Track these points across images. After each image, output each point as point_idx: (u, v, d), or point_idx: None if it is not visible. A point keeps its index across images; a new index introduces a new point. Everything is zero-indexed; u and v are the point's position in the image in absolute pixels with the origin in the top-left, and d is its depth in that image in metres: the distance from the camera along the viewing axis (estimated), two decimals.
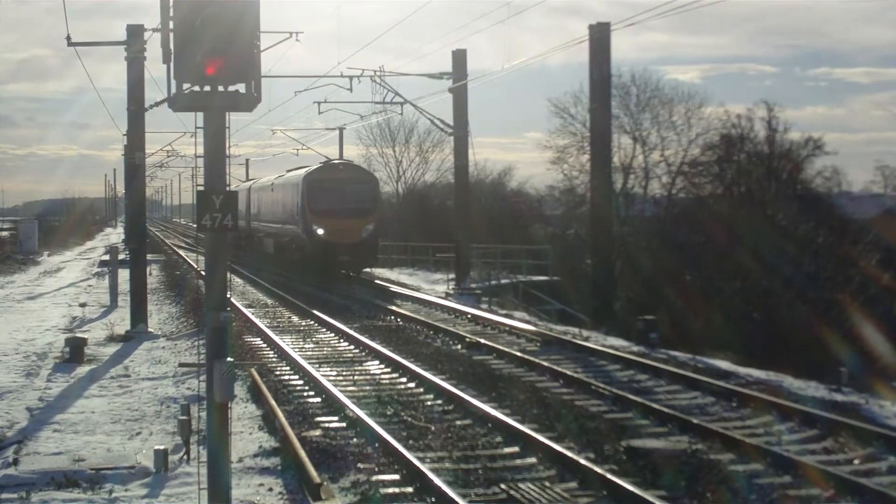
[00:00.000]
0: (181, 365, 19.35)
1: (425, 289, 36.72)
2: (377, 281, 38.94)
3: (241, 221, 54.16)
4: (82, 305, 30.56)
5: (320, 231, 38.06)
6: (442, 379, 16.97)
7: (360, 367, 19.16)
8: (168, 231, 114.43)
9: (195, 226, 9.94)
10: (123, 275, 29.18)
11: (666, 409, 14.57)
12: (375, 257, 40.33)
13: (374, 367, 19.17)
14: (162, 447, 12.00)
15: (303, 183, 39.51)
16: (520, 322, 25.67)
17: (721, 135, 53.14)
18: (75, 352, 20.04)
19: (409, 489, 11.12)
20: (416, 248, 50.45)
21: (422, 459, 11.95)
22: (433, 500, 10.66)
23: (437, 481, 10.82)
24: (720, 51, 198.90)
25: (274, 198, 46.23)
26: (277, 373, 18.52)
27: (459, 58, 37.51)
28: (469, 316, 27.01)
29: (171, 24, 8.59)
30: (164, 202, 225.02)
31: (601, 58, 28.84)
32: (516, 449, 12.77)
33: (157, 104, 25.97)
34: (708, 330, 32.67)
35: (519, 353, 19.99)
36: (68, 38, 24.74)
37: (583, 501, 10.70)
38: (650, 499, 10.20)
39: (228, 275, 9.26)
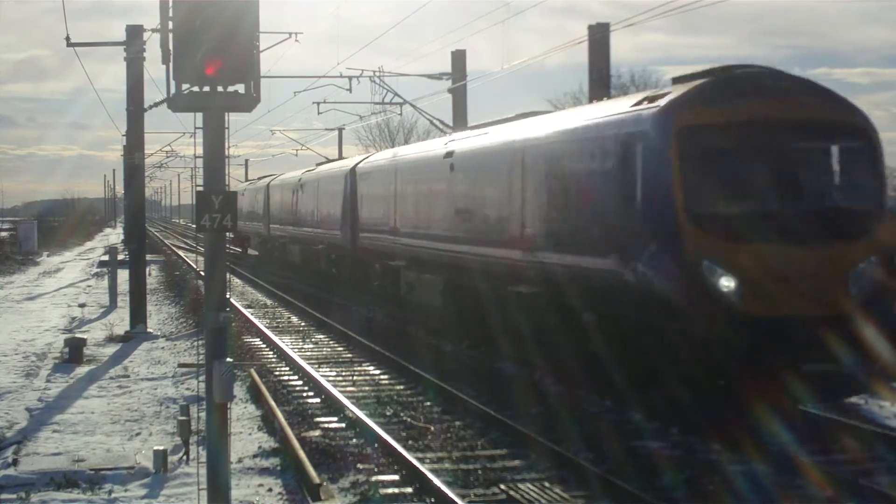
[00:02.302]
0: (181, 365, 19.35)
1: None
2: None
3: (335, 233, 33.49)
4: (81, 306, 30.55)
5: (728, 284, 13.13)
6: (438, 378, 16.94)
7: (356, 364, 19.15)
8: (167, 231, 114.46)
9: (194, 226, 9.94)
10: (123, 275, 29.18)
11: None
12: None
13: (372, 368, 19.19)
14: (161, 448, 12.00)
15: (660, 130, 14.03)
16: None
17: None
18: (74, 352, 20.04)
19: (409, 489, 11.13)
20: None
21: (421, 460, 11.97)
22: (433, 500, 10.67)
23: (437, 482, 10.83)
24: (719, 51, 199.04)
25: (480, 184, 20.40)
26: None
27: (459, 58, 37.48)
28: None
29: (170, 25, 8.60)
30: (164, 202, 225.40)
31: (600, 58, 28.83)
32: (516, 450, 12.77)
33: (156, 104, 26.01)
34: None
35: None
36: (68, 38, 24.73)
37: (580, 502, 10.70)
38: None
39: (228, 275, 9.27)
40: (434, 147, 24.62)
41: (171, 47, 8.63)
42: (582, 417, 14.41)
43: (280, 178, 48.14)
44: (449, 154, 22.36)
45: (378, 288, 28.26)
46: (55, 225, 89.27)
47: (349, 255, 31.87)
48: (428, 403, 15.67)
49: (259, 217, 51.93)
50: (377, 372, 18.70)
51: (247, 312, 27.42)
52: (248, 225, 54.62)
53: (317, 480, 10.73)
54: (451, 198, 21.86)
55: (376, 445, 12.75)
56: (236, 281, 37.64)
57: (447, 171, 22.12)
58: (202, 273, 9.85)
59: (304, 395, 16.62)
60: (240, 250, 58.64)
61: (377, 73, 36.64)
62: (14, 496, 10.99)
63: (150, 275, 35.20)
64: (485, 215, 20.08)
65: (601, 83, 29.19)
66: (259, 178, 58.91)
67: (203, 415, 9.22)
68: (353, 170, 31.98)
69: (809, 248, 13.39)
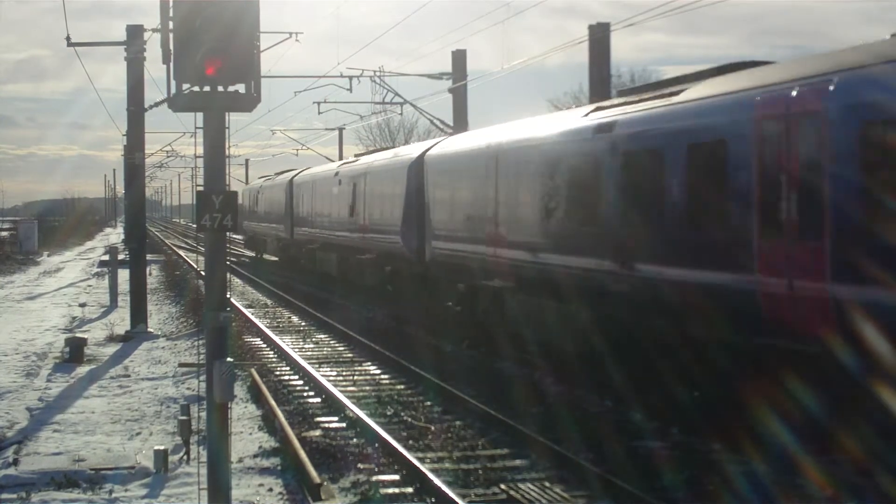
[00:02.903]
0: (181, 365, 19.36)
1: None
2: None
3: (393, 239, 26.65)
4: (82, 305, 30.57)
5: None
6: (439, 378, 16.94)
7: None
8: (168, 231, 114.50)
9: (195, 226, 9.95)
10: (123, 275, 29.19)
11: None
12: None
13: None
14: (162, 447, 12.00)
15: None
16: None
17: None
18: (75, 352, 20.05)
19: (409, 489, 11.14)
20: None
21: (422, 460, 11.98)
22: (433, 500, 10.68)
23: (437, 482, 10.83)
24: (719, 51, 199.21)
25: (686, 171, 13.35)
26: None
27: (459, 58, 37.50)
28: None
29: (170, 25, 8.60)
30: (164, 202, 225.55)
31: (601, 58, 28.88)
32: (516, 450, 12.78)
33: (156, 104, 26.02)
34: None
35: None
36: (68, 38, 24.75)
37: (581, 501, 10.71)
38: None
39: (228, 275, 9.27)
40: (565, 121, 17.63)
41: (171, 47, 8.64)
42: (582, 417, 14.41)
43: (308, 173, 41.63)
44: (605, 128, 15.44)
45: (460, 314, 21.64)
46: (55, 225, 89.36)
47: (414, 268, 25.06)
48: (428, 403, 15.68)
49: (279, 218, 45.29)
50: (378, 372, 18.71)
51: (247, 312, 27.43)
52: (265, 227, 49.03)
53: (317, 480, 10.73)
54: (607, 193, 15.26)
55: (377, 445, 12.76)
56: (236, 281, 37.65)
57: (604, 153, 15.35)
58: (202, 273, 9.86)
59: (305, 394, 16.62)
60: (254, 255, 53.73)
61: (377, 73, 36.69)
62: (14, 496, 11.00)
63: (150, 274, 35.21)
64: (698, 220, 13.18)
65: (601, 83, 29.23)
66: (278, 174, 51.04)
67: (203, 414, 9.23)
68: (420, 160, 25.06)
69: None
